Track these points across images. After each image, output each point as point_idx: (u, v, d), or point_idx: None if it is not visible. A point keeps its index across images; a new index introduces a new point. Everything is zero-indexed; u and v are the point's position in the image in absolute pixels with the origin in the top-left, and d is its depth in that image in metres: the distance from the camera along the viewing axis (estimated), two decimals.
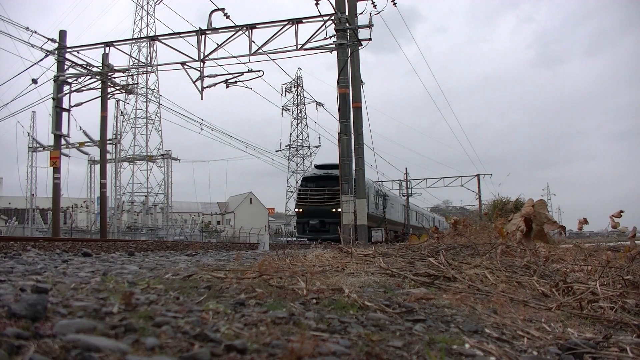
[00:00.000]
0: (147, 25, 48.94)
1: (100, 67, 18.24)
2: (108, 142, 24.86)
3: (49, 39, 17.37)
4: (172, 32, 16.10)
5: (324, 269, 3.96)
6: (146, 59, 23.86)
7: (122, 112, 43.61)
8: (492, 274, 3.98)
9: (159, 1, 47.92)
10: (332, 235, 21.03)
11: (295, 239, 27.85)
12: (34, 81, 17.68)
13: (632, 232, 6.97)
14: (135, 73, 30.57)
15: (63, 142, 19.74)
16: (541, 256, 5.54)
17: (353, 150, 14.03)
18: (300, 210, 23.98)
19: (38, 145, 38.05)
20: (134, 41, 28.33)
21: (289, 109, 57.93)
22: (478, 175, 47.29)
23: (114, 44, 17.25)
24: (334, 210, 21.72)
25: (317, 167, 27.04)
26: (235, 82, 16.90)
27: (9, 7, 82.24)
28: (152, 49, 17.42)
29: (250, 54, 15.00)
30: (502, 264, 4.54)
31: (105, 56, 17.77)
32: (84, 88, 18.50)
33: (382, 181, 39.27)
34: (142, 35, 44.73)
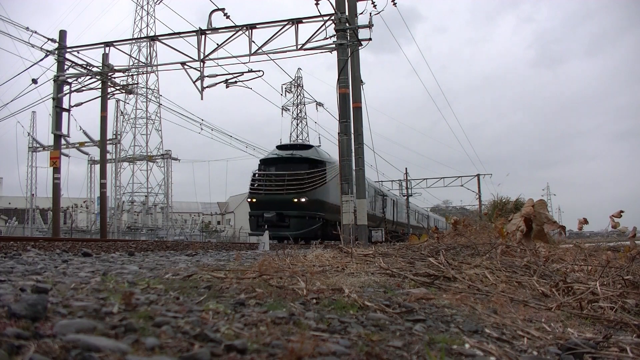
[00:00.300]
0: (147, 25, 48.96)
1: (100, 67, 18.24)
2: (108, 142, 24.87)
3: (49, 39, 17.39)
4: (172, 32, 16.11)
5: (324, 269, 3.96)
6: (146, 59, 23.85)
7: (122, 112, 43.64)
8: (492, 274, 3.98)
9: (159, 1, 47.93)
10: (293, 231, 17.13)
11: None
12: (34, 81, 17.68)
13: (632, 232, 6.98)
14: (135, 73, 30.59)
15: (63, 142, 19.74)
16: (541, 256, 5.54)
17: (353, 150, 14.02)
18: (254, 200, 18.99)
19: (38, 145, 38.09)
20: (134, 41, 28.33)
21: (289, 109, 57.81)
22: (478, 175, 47.32)
23: (114, 44, 17.25)
24: (295, 200, 18.06)
25: (279, 147, 21.26)
26: (235, 82, 16.91)
27: (9, 7, 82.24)
28: (152, 49, 17.43)
29: (250, 54, 15.00)
30: (502, 264, 4.54)
31: (105, 56, 17.77)
32: (84, 88, 18.50)
33: (382, 181, 39.25)
34: (142, 35, 44.73)
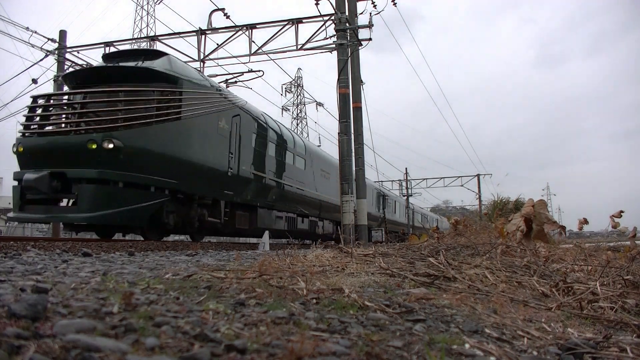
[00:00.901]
0: (147, 25, 48.96)
1: None
2: None
3: (49, 39, 17.42)
4: (172, 32, 16.14)
5: (324, 269, 3.96)
6: None
7: None
8: (492, 274, 3.98)
9: (159, 1, 47.99)
10: (84, 212, 8.29)
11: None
12: (34, 81, 17.69)
13: (632, 232, 6.98)
14: None
15: None
16: (541, 256, 5.54)
17: (353, 150, 14.02)
18: (20, 149, 8.88)
19: None
20: (134, 41, 28.30)
21: (289, 109, 57.83)
22: (478, 175, 47.32)
23: (114, 43, 17.25)
24: (93, 146, 8.24)
25: (107, 57, 11.02)
26: (236, 82, 16.94)
27: (9, 7, 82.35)
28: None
29: (251, 54, 15.02)
30: (502, 264, 4.54)
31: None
32: None
33: (382, 181, 39.27)
34: (142, 35, 44.75)
